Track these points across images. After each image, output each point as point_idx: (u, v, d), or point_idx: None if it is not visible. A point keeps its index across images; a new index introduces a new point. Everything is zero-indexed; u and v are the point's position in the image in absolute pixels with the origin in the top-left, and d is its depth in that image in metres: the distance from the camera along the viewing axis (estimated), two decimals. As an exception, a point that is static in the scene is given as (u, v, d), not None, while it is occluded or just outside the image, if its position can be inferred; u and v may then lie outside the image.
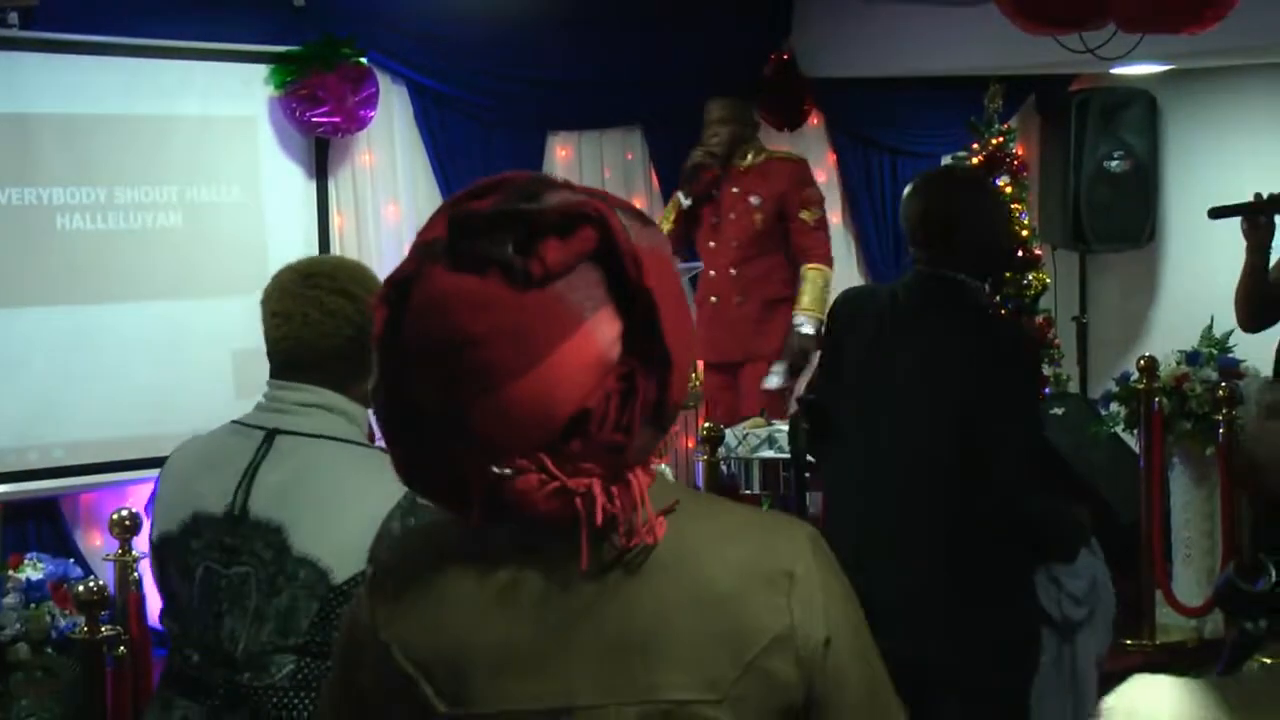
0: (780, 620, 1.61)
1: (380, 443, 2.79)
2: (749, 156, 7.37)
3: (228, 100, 6.77)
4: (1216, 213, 5.31)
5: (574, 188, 1.65)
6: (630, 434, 1.58)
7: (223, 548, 2.70)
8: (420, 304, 1.60)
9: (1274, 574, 2.20)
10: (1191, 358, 6.77)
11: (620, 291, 1.58)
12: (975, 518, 3.57)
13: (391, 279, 1.66)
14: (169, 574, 2.81)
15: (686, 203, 7.37)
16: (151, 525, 2.86)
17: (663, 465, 1.73)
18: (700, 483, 6.04)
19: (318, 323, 2.73)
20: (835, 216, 8.91)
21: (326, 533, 2.62)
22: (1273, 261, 5.32)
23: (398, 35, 7.19)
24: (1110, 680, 6.27)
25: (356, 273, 2.82)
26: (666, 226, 7.16)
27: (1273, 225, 5.22)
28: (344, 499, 2.64)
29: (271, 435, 2.74)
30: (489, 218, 1.59)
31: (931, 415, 3.64)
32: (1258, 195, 5.20)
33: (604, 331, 1.57)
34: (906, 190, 3.95)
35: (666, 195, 8.16)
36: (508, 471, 1.57)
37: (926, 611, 3.57)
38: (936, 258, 3.79)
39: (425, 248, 1.63)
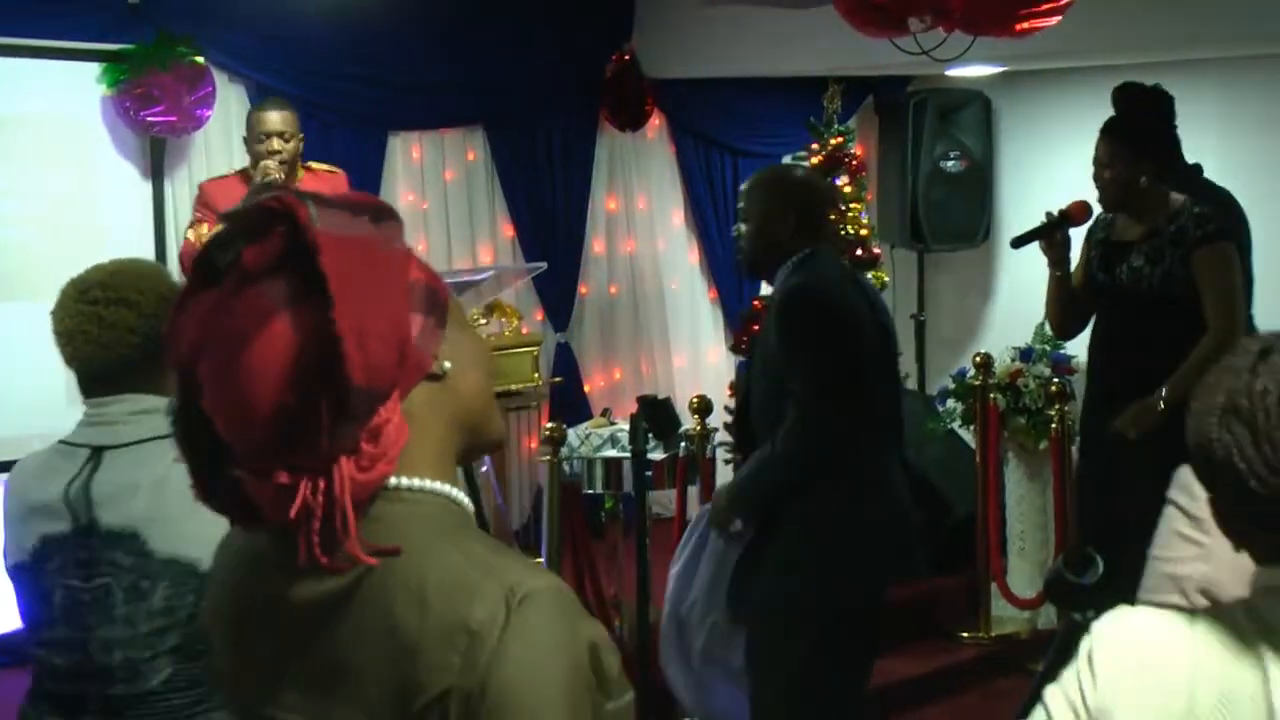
0: (445, 678, 1.53)
1: None
2: (300, 172, 6.46)
3: (60, 99, 6.65)
4: (1017, 242, 5.51)
5: (275, 194, 1.63)
6: (317, 427, 1.55)
7: (78, 564, 2.69)
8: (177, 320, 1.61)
9: (1101, 566, 2.25)
10: (1025, 354, 6.92)
11: (310, 288, 1.55)
12: None
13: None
14: (28, 600, 2.80)
15: None
16: (4, 554, 2.84)
17: (452, 491, 1.70)
18: (544, 483, 6.05)
19: (98, 338, 2.73)
20: (678, 217, 8.98)
21: (185, 526, 2.60)
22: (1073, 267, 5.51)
23: (236, 33, 7.09)
24: (949, 673, 6.37)
25: (136, 277, 2.80)
26: None
27: (1068, 239, 5.41)
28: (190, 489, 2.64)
29: (98, 452, 2.72)
30: (222, 230, 1.60)
31: None
32: (1048, 214, 5.40)
33: (301, 324, 1.54)
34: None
35: (509, 196, 8.17)
36: (240, 473, 1.57)
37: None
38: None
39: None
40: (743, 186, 4.51)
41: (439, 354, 1.66)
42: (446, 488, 1.66)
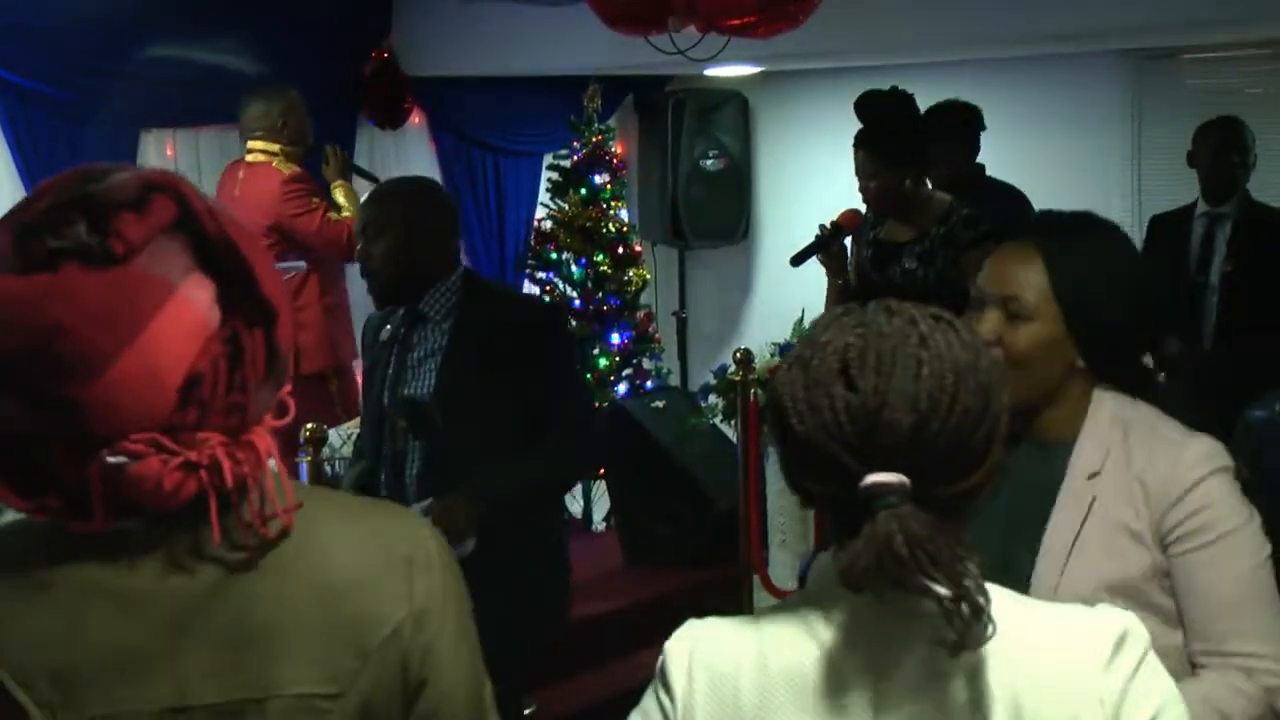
0: (401, 608, 1.62)
1: None
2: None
3: None
4: (796, 259, 5.53)
5: (137, 169, 1.62)
6: (246, 392, 1.57)
7: None
8: None
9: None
10: (784, 350, 7.02)
11: (206, 255, 1.57)
12: None
13: None
14: None
15: None
16: None
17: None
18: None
19: None
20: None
21: None
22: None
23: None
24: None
25: None
26: None
27: (844, 248, 5.48)
28: None
29: None
30: (50, 211, 1.54)
31: None
32: (822, 226, 5.46)
33: (198, 296, 1.55)
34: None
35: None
36: (123, 459, 1.51)
37: None
38: None
39: None
40: (373, 199, 4.30)
41: None
42: None
